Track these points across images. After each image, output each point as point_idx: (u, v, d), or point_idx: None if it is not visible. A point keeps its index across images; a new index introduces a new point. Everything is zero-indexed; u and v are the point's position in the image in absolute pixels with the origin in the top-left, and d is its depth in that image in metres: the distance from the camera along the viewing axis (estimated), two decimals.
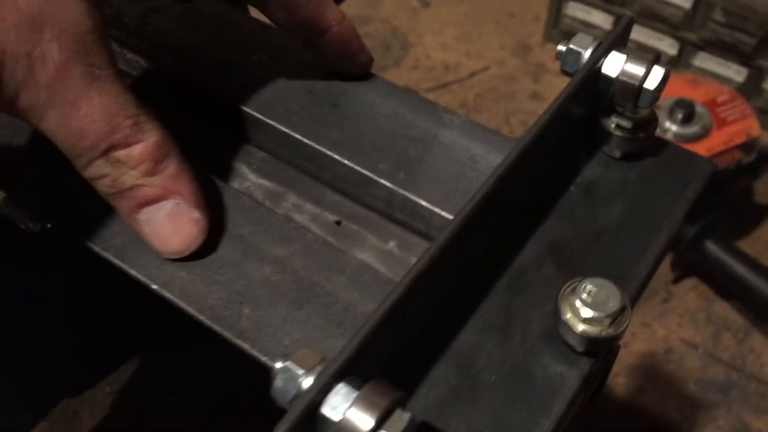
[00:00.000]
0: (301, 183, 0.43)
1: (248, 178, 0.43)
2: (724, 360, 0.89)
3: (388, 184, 0.40)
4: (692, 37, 1.18)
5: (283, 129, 0.42)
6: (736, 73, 1.12)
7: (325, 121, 0.42)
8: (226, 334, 0.34)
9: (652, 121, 0.39)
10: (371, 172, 0.40)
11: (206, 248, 0.37)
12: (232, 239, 0.37)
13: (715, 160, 0.91)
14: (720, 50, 1.14)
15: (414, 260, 0.39)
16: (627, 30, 0.37)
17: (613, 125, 0.38)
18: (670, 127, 0.95)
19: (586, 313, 0.31)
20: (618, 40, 0.36)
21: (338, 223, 0.41)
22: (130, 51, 0.46)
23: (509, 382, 0.32)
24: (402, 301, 0.29)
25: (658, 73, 0.37)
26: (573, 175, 0.39)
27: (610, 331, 0.30)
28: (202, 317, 0.35)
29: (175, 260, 0.36)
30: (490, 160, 0.40)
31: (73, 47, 0.31)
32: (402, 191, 0.39)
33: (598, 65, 0.36)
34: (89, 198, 0.36)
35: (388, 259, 0.39)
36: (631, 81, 0.35)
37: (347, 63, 0.43)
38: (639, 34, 1.21)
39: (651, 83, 0.36)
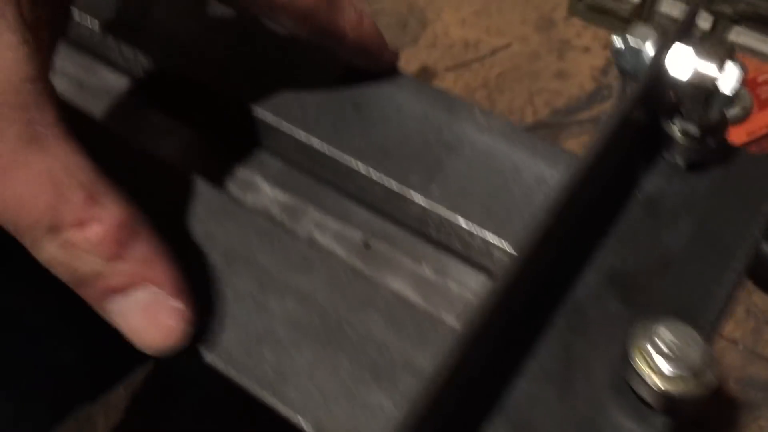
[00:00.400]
0: (323, 196, 0.38)
1: (263, 191, 0.39)
2: (766, 357, 0.84)
3: (420, 199, 0.35)
4: (727, 10, 1.11)
5: (301, 135, 0.37)
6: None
7: (347, 125, 0.38)
8: (246, 382, 0.30)
9: (723, 125, 0.34)
10: (401, 184, 0.36)
11: (218, 278, 0.33)
12: (248, 267, 0.33)
13: (758, 144, 0.85)
14: (756, 24, 1.08)
15: (451, 286, 0.35)
16: (692, 20, 0.32)
17: (677, 131, 0.33)
18: None
19: (663, 366, 0.26)
20: (684, 32, 0.31)
21: (367, 246, 0.37)
22: (127, 45, 0.41)
23: None
24: (462, 361, 0.24)
25: (732, 72, 0.32)
26: (631, 187, 0.34)
27: (694, 390, 0.26)
28: (217, 363, 0.31)
29: None
30: (536, 170, 0.36)
31: (4, 101, 0.25)
32: (437, 208, 0.35)
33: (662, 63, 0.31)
34: None
35: (424, 287, 0.35)
36: (702, 82, 0.30)
37: (369, 64, 0.39)
38: (671, 7, 1.15)
39: (726, 85, 0.31)
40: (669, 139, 0.34)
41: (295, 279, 0.33)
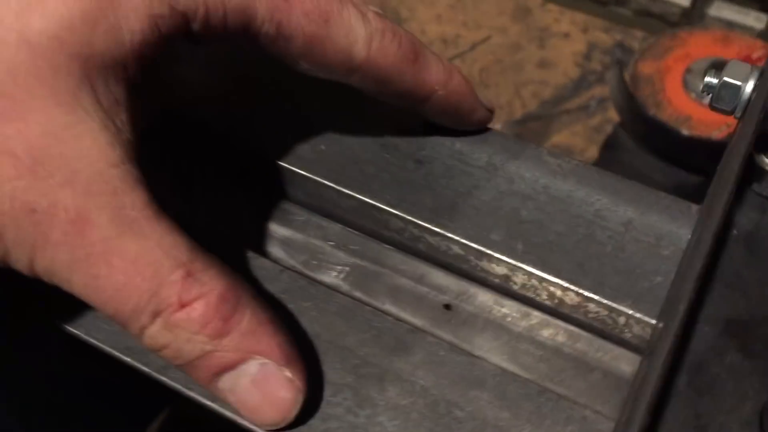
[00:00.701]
0: (394, 260, 0.36)
1: (330, 261, 0.36)
2: None
3: (506, 258, 0.33)
4: None
5: (364, 198, 0.35)
6: (756, 20, 1.06)
7: (411, 183, 0.35)
8: None
9: None
10: (482, 245, 0.34)
11: (312, 370, 0.30)
12: (339, 354, 0.31)
13: None
14: None
15: (547, 342, 0.33)
16: None
17: None
18: None
19: None
20: None
21: (447, 306, 0.35)
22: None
23: None
24: None
25: None
26: (727, 225, 0.33)
27: None
28: None
29: None
30: (620, 214, 0.34)
31: (92, 189, 0.24)
32: (524, 266, 0.33)
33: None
34: None
35: (522, 353, 0.33)
36: None
37: (457, 124, 0.36)
38: (720, 10, 1.13)
39: None
40: (761, 171, 0.32)
41: (393, 363, 0.31)
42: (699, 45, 0.92)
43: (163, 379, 0.31)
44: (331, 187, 0.36)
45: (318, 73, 0.31)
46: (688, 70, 0.89)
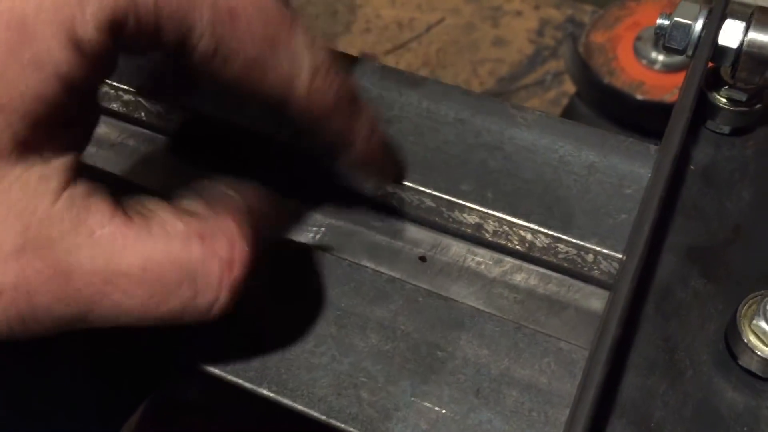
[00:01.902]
0: (369, 218, 0.37)
1: (310, 222, 0.37)
2: None
3: (477, 207, 0.34)
4: None
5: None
6: None
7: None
8: (351, 429, 0.29)
9: (764, 89, 0.34)
10: (453, 195, 0.35)
11: (294, 324, 0.31)
12: (321, 308, 0.32)
13: None
14: None
15: (520, 285, 0.35)
16: None
17: (723, 99, 0.33)
18: (657, 58, 0.91)
19: None
20: (726, 4, 0.31)
21: (423, 258, 0.36)
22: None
23: (698, 430, 0.27)
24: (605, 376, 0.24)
25: None
26: (684, 161, 0.34)
27: None
28: (315, 413, 0.29)
29: (257, 344, 0.31)
30: (583, 158, 0.35)
31: (43, 242, 0.23)
32: (495, 213, 0.34)
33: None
34: None
35: (497, 297, 0.34)
36: (760, 51, 0.30)
37: (366, 179, 0.36)
38: None
39: None
40: (714, 108, 0.34)
41: (374, 311, 0.32)
42: (647, 13, 0.94)
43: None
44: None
45: (249, 100, 0.29)
46: (638, 38, 0.91)
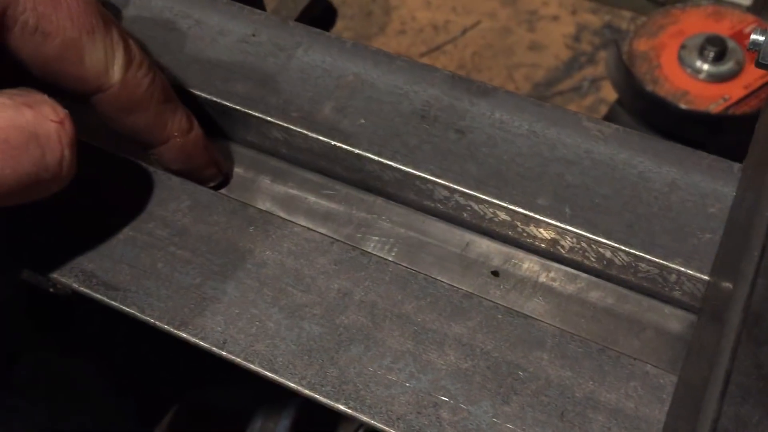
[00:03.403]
0: (439, 230, 0.36)
1: (376, 232, 0.36)
2: None
3: (554, 222, 0.33)
4: None
5: (410, 170, 0.35)
6: None
7: (454, 153, 0.36)
8: None
9: None
10: (529, 209, 0.34)
11: (370, 338, 0.31)
12: (397, 322, 0.31)
13: (757, 96, 0.87)
14: None
15: (597, 303, 0.34)
16: None
17: None
18: (702, 67, 0.90)
19: None
20: None
21: (495, 273, 0.35)
22: None
23: None
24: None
25: None
26: None
27: None
28: None
29: (332, 357, 0.30)
30: (663, 175, 0.34)
31: None
32: (574, 229, 0.33)
33: None
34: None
35: (573, 315, 0.33)
36: None
37: (189, 175, 0.36)
38: None
39: None
40: None
41: (451, 328, 0.31)
42: (691, 21, 0.93)
43: (223, 353, 0.31)
44: (373, 159, 0.35)
45: (64, 84, 0.30)
46: (683, 47, 0.90)
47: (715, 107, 0.86)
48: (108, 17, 0.30)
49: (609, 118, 0.95)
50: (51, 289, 0.52)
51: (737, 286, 0.25)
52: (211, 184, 0.37)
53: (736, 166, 0.34)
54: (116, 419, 0.63)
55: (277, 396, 0.65)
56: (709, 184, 0.34)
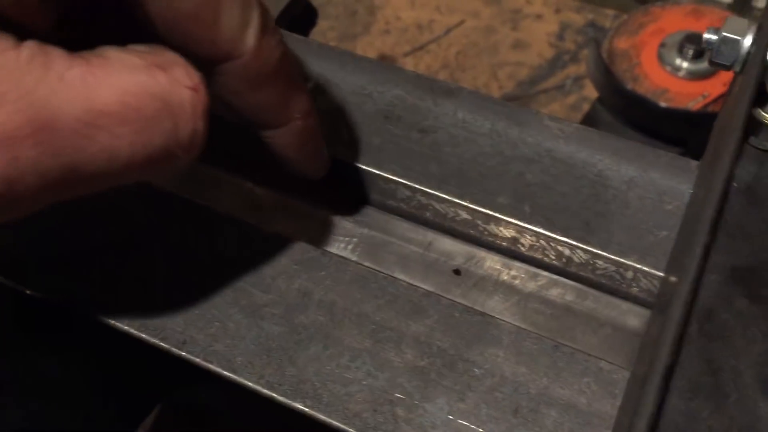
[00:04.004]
0: (402, 229, 0.36)
1: (341, 233, 0.36)
2: None
3: (514, 220, 0.34)
4: None
5: (373, 170, 0.35)
6: None
7: (417, 152, 0.36)
8: None
9: None
10: (490, 208, 0.34)
11: (328, 337, 0.31)
12: (356, 321, 0.31)
13: None
14: None
15: (556, 301, 0.34)
16: None
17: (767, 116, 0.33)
18: (682, 65, 0.91)
19: None
20: None
21: (457, 272, 0.35)
22: None
23: None
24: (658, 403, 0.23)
25: None
26: (729, 178, 0.34)
27: None
28: (350, 430, 0.29)
29: (290, 357, 0.30)
30: (622, 172, 0.35)
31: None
32: (532, 227, 0.34)
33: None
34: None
35: (533, 312, 0.34)
36: None
37: (300, 164, 0.32)
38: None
39: None
40: (758, 124, 0.33)
41: (409, 326, 0.31)
42: (672, 19, 0.93)
43: (182, 353, 0.31)
44: (336, 159, 0.36)
45: (192, 48, 0.25)
46: (663, 44, 0.91)
47: (694, 104, 0.87)
48: None
49: (590, 116, 0.96)
50: (27, 291, 0.53)
51: (681, 280, 0.25)
52: (315, 177, 0.34)
53: (694, 163, 0.35)
54: (97, 419, 0.63)
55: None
56: (667, 182, 0.34)
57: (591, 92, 1.06)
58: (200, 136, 0.25)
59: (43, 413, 0.56)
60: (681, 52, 0.90)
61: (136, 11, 0.24)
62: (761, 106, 0.33)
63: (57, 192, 0.23)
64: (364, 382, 0.30)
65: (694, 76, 0.89)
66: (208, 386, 0.76)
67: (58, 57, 0.22)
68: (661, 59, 0.90)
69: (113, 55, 0.23)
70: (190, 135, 0.24)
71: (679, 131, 0.87)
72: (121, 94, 0.23)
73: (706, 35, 0.31)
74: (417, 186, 0.35)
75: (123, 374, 0.65)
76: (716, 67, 0.31)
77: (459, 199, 0.34)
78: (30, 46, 0.21)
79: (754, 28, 0.30)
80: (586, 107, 1.11)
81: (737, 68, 0.31)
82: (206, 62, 0.26)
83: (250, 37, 0.26)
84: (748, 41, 0.30)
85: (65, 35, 0.23)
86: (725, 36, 0.30)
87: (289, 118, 0.30)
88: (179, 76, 0.24)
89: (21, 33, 0.21)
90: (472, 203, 0.34)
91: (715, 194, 0.27)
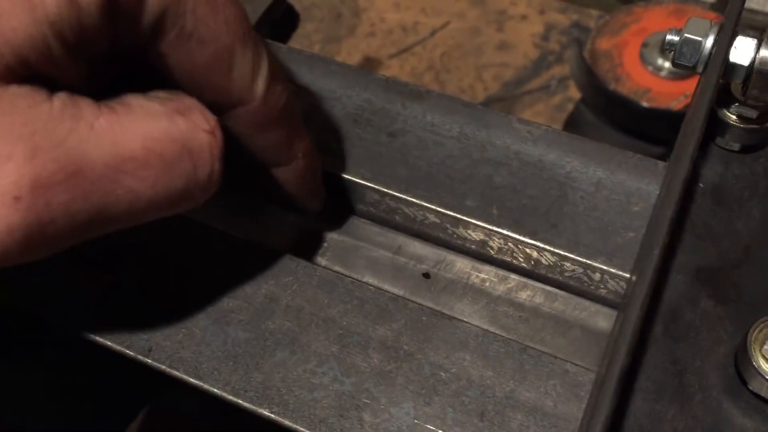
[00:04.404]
0: (371, 233, 0.36)
1: (310, 237, 0.36)
2: None
3: (481, 223, 0.34)
4: None
5: (341, 174, 0.35)
6: None
7: (385, 156, 0.36)
8: None
9: None
10: (458, 212, 0.34)
11: (295, 343, 0.31)
12: (323, 326, 0.31)
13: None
14: None
15: (525, 303, 0.34)
16: (742, 6, 0.31)
17: (734, 116, 0.33)
18: (664, 65, 0.91)
19: None
20: (737, 20, 0.31)
21: (426, 275, 0.35)
22: None
23: None
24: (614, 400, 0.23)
25: None
26: (693, 179, 0.34)
27: None
28: None
29: (257, 363, 0.30)
30: (590, 174, 0.35)
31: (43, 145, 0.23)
32: (500, 230, 0.34)
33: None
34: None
35: (502, 315, 0.34)
36: None
37: (301, 199, 0.34)
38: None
39: None
40: (724, 125, 0.33)
41: (376, 330, 0.31)
42: (654, 19, 0.94)
43: (147, 361, 0.31)
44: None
45: (206, 96, 0.27)
46: (645, 44, 0.91)
47: (676, 104, 0.87)
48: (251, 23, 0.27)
49: (573, 116, 0.96)
50: None
51: (640, 279, 0.25)
52: (313, 210, 0.35)
53: (661, 164, 0.35)
54: (82, 423, 0.63)
55: None
56: (634, 183, 0.34)
57: (576, 93, 1.07)
58: (217, 177, 0.26)
59: (24, 416, 0.56)
60: (663, 52, 0.90)
61: (156, 62, 0.26)
62: (726, 106, 0.33)
63: (84, 233, 0.24)
64: (331, 388, 0.30)
65: (676, 75, 0.90)
66: (195, 390, 0.75)
67: (87, 107, 0.24)
68: (643, 59, 0.90)
69: (136, 102, 0.25)
70: (208, 175, 0.26)
71: (661, 131, 0.87)
72: (145, 139, 0.24)
73: (669, 36, 0.31)
74: (385, 190, 0.35)
75: (108, 378, 0.64)
76: (679, 68, 0.31)
77: (427, 202, 0.34)
78: (61, 98, 0.23)
79: (715, 29, 0.30)
80: (570, 108, 1.11)
81: (699, 69, 0.31)
82: (219, 107, 0.27)
83: (260, 84, 0.28)
84: (709, 42, 0.30)
85: (91, 85, 0.25)
86: (687, 37, 0.31)
87: (293, 158, 0.31)
88: (197, 120, 0.26)
89: (52, 85, 0.23)
90: (440, 206, 0.34)
91: (675, 193, 0.27)
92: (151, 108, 0.25)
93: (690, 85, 0.90)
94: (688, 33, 0.31)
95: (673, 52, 0.31)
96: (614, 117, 0.90)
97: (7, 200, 0.22)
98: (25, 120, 0.22)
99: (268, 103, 0.28)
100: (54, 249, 0.24)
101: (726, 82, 0.33)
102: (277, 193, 0.33)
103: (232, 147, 0.28)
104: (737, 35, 0.30)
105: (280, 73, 0.29)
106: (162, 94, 0.26)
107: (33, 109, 0.22)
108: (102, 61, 0.25)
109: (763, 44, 0.30)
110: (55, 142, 0.23)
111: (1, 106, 0.22)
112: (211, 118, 0.26)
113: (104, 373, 0.62)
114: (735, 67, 0.30)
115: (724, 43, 0.30)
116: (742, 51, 0.30)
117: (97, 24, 0.23)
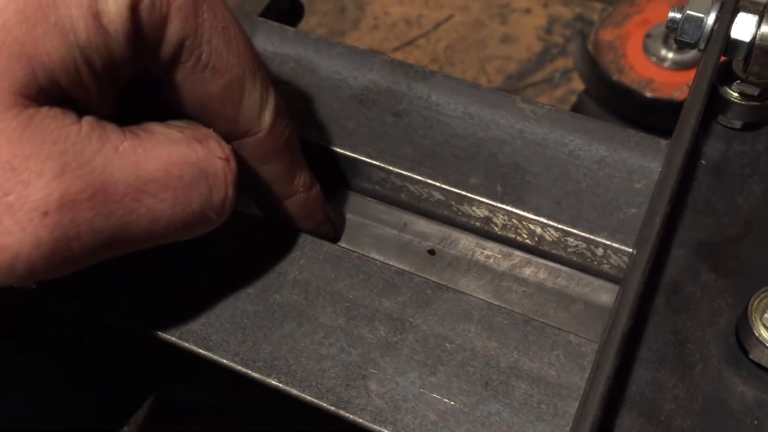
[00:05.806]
0: (377, 211, 0.37)
1: None
2: None
3: (486, 200, 0.34)
4: None
5: (347, 153, 0.36)
6: None
7: (391, 135, 0.36)
8: (360, 420, 0.29)
9: None
10: (462, 189, 0.35)
11: (303, 315, 0.31)
12: (330, 299, 0.32)
13: None
14: None
15: (529, 279, 0.35)
16: None
17: (735, 94, 0.33)
18: (667, 55, 0.91)
19: None
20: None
21: (432, 252, 0.36)
22: None
23: (708, 423, 0.27)
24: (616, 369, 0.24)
25: None
26: (695, 156, 0.34)
27: None
28: (324, 404, 0.29)
29: (265, 334, 0.31)
30: (593, 152, 0.35)
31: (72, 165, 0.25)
32: (504, 206, 0.34)
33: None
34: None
35: (506, 291, 0.34)
36: None
37: (306, 228, 0.34)
38: None
39: None
40: (725, 102, 0.34)
41: (382, 303, 0.32)
42: (657, 10, 0.94)
43: (158, 333, 0.31)
44: (311, 143, 0.36)
45: (216, 125, 0.28)
46: (648, 36, 0.91)
47: (679, 94, 0.87)
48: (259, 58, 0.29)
49: (577, 107, 0.96)
50: None
51: (641, 249, 0.26)
52: (324, 238, 0.35)
53: (663, 142, 0.35)
54: (85, 414, 0.63)
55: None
56: (637, 160, 0.35)
57: (579, 85, 1.07)
58: (231, 201, 0.28)
59: (11, 412, 0.56)
60: (666, 43, 0.91)
61: (170, 92, 0.27)
62: (728, 84, 0.34)
63: (105, 251, 0.25)
64: (338, 358, 0.30)
65: (679, 66, 0.90)
66: (200, 383, 0.76)
67: (112, 131, 0.25)
68: (646, 50, 0.90)
69: (157, 129, 0.27)
70: (222, 199, 0.28)
71: (664, 121, 0.87)
72: (165, 163, 0.26)
73: (671, 14, 0.32)
74: (391, 168, 0.35)
75: (113, 370, 0.65)
76: (681, 45, 0.32)
77: (432, 180, 0.35)
78: (89, 121, 0.25)
79: (717, 6, 0.31)
80: (574, 99, 1.11)
81: (701, 46, 0.31)
82: (228, 138, 0.29)
83: (267, 116, 0.29)
84: (711, 18, 0.31)
85: (115, 112, 0.27)
86: (689, 14, 0.31)
87: (294, 191, 0.32)
88: (213, 147, 0.27)
89: (81, 110, 0.25)
90: (445, 184, 0.35)
91: (675, 169, 0.27)
92: (171, 135, 0.27)
93: (692, 75, 0.90)
94: (690, 10, 0.31)
95: (675, 30, 0.31)
96: (617, 108, 0.90)
97: (37, 215, 0.23)
98: (55, 139, 0.24)
99: (273, 134, 0.30)
100: (75, 267, 0.25)
101: (728, 60, 0.33)
102: (289, 226, 0.34)
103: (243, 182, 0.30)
104: (738, 12, 0.31)
105: (284, 107, 0.30)
106: (180, 122, 0.28)
107: (63, 129, 0.24)
108: (124, 91, 0.27)
109: (764, 20, 0.30)
110: (83, 161, 0.24)
111: (33, 125, 0.23)
112: (226, 146, 0.28)
113: (109, 363, 0.63)
114: (736, 43, 0.31)
115: (726, 20, 0.30)
116: (743, 27, 0.30)
117: (123, 50, 0.25)
